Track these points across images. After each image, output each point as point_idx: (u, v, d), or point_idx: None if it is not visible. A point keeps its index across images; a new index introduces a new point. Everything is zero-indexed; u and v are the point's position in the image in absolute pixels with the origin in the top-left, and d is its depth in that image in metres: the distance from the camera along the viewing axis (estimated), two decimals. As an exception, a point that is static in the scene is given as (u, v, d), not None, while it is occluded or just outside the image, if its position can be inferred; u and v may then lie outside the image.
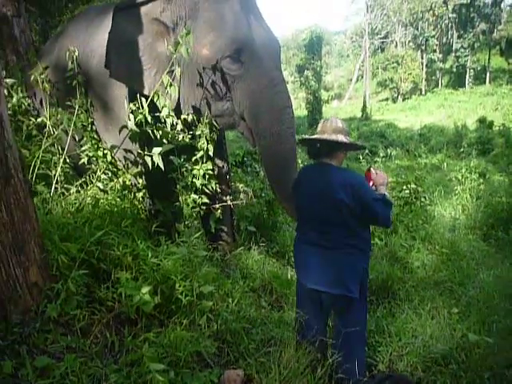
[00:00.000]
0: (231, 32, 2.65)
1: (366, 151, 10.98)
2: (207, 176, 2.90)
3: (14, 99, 2.82)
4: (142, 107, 2.63)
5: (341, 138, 2.28)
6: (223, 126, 2.94)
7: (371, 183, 2.43)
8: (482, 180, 7.06)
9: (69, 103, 2.95)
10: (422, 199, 5.25)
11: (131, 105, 2.65)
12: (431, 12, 37.60)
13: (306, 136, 2.38)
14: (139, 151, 2.74)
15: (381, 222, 2.35)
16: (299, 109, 27.19)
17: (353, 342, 2.24)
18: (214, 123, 2.87)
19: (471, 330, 2.85)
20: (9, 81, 2.93)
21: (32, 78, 2.99)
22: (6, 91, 2.74)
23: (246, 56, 2.66)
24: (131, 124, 2.61)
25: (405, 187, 5.17)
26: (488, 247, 4.84)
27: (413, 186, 5.18)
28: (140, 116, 2.61)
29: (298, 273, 2.45)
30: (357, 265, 2.26)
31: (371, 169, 2.49)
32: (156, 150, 2.62)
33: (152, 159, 2.61)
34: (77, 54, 2.91)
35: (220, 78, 2.70)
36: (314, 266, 2.29)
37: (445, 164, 10.40)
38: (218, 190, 3.10)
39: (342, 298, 2.23)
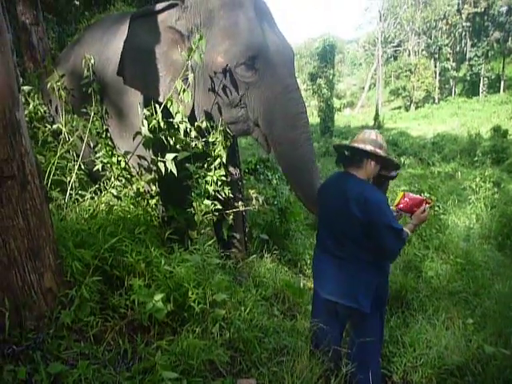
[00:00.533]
0: (246, 39, 2.66)
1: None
2: (220, 182, 2.90)
3: (31, 106, 2.86)
4: (156, 113, 2.65)
5: (369, 147, 2.21)
6: (237, 132, 2.94)
7: (400, 205, 2.35)
8: (496, 189, 6.98)
9: (84, 110, 2.98)
10: (436, 208, 5.19)
11: (145, 111, 2.67)
12: (445, 21, 37.54)
13: (337, 143, 2.39)
14: (153, 157, 2.76)
15: (386, 253, 2.22)
16: (311, 116, 27.13)
17: (367, 353, 2.21)
18: (228, 130, 2.87)
19: (487, 341, 2.80)
20: (26, 88, 2.97)
21: (48, 85, 3.04)
22: (23, 98, 2.78)
23: (261, 63, 2.66)
24: (145, 130, 2.63)
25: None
26: (503, 257, 4.78)
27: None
28: (154, 122, 2.63)
29: (315, 281, 2.44)
30: (370, 280, 2.20)
31: (409, 194, 2.41)
32: (169, 156, 2.63)
33: (165, 165, 2.63)
34: (93, 61, 2.94)
35: (234, 84, 2.71)
36: (330, 275, 2.28)
37: (459, 173, 10.31)
38: (231, 196, 3.11)
39: (355, 310, 2.21)
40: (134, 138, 2.72)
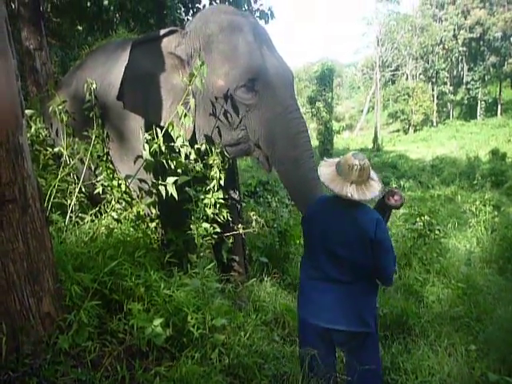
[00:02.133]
0: (245, 62, 2.69)
1: (378, 182, 10.93)
2: (218, 205, 2.91)
3: (33, 129, 2.89)
4: (157, 137, 2.66)
5: (371, 194, 2.11)
6: (238, 153, 2.96)
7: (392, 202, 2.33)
8: (496, 212, 6.95)
9: (85, 133, 3.01)
10: (436, 231, 5.16)
11: (146, 135, 2.69)
12: (441, 46, 38.22)
13: (337, 190, 2.10)
14: (153, 181, 2.77)
15: (386, 275, 2.19)
16: (311, 139, 27.38)
17: (369, 380, 2.17)
18: (226, 153, 2.90)
19: (491, 368, 2.75)
20: (28, 112, 3.01)
21: (50, 109, 3.07)
22: (25, 122, 2.81)
23: (260, 85, 2.69)
24: (146, 154, 2.64)
25: (418, 219, 5.10)
26: (505, 281, 4.73)
27: (426, 218, 5.11)
28: (155, 146, 2.64)
29: (305, 310, 2.25)
30: (374, 300, 2.22)
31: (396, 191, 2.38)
32: (170, 180, 2.64)
33: (166, 189, 2.63)
34: (95, 86, 2.98)
35: (234, 107, 2.73)
36: (329, 302, 2.16)
37: (458, 196, 10.31)
38: (230, 219, 3.11)
39: (358, 334, 2.17)
40: (135, 162, 2.73)
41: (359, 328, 2.16)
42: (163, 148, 2.67)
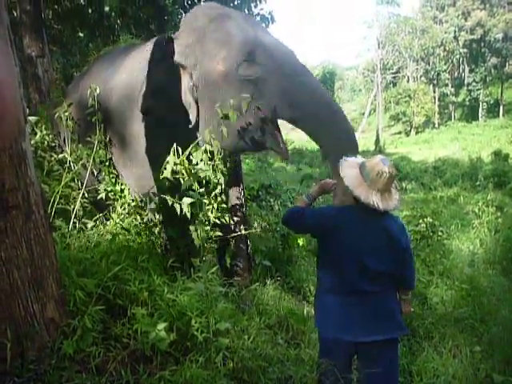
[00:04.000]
0: (240, 40, 2.65)
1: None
2: (220, 209, 2.90)
3: (38, 136, 2.91)
4: (179, 157, 2.56)
5: (394, 204, 2.05)
6: (249, 146, 2.82)
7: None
8: (499, 213, 6.95)
9: (88, 139, 3.03)
10: (439, 233, 5.16)
11: (169, 157, 2.57)
12: (442, 47, 38.27)
13: (363, 198, 2.00)
14: (166, 197, 2.68)
15: (411, 279, 2.20)
16: (313, 142, 27.35)
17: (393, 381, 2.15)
18: (235, 150, 2.86)
19: (495, 369, 2.75)
20: (32, 118, 3.03)
21: (56, 115, 3.09)
22: (30, 128, 2.83)
23: (261, 56, 2.63)
24: (167, 173, 2.56)
25: (421, 221, 5.10)
26: (508, 282, 4.71)
27: (429, 219, 5.11)
28: (179, 167, 2.56)
29: (331, 327, 2.10)
30: (399, 305, 2.20)
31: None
32: (186, 201, 2.54)
33: (181, 207, 2.55)
34: (98, 91, 3.00)
35: (240, 88, 2.63)
36: (360, 316, 2.05)
37: (461, 197, 10.29)
38: (233, 222, 3.11)
39: (390, 342, 2.08)
40: (157, 182, 2.68)
41: (397, 333, 2.11)
42: (185, 171, 2.58)
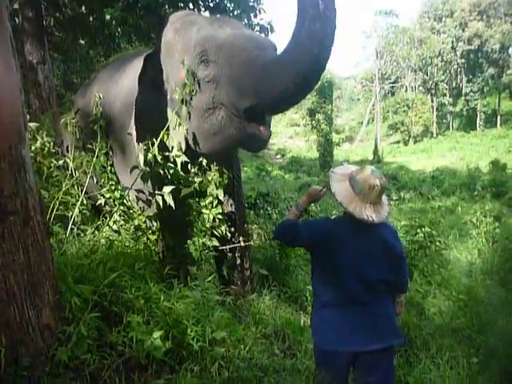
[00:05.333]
0: (194, 42, 2.59)
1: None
2: (217, 219, 2.91)
3: (38, 143, 2.91)
4: (152, 147, 2.63)
5: (384, 214, 2.06)
6: (226, 143, 2.69)
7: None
8: (497, 224, 6.95)
9: (89, 146, 3.04)
10: (437, 243, 5.16)
11: (141, 145, 2.65)
12: (440, 58, 38.51)
13: (356, 213, 1.99)
14: (150, 191, 2.76)
15: (404, 282, 2.22)
16: (311, 151, 27.48)
17: None
18: (213, 153, 2.80)
19: (493, 381, 2.73)
20: (33, 125, 3.03)
21: (61, 122, 3.11)
22: (30, 135, 2.83)
23: (213, 54, 2.51)
24: (141, 163, 2.62)
25: (419, 231, 5.10)
26: (506, 293, 4.71)
27: (427, 229, 5.11)
28: (150, 156, 2.62)
29: (331, 339, 2.07)
30: (394, 309, 2.20)
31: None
32: (167, 189, 2.60)
33: (163, 199, 2.61)
34: (102, 98, 3.01)
35: (204, 91, 2.57)
36: (359, 326, 2.04)
37: (459, 207, 10.31)
38: (231, 232, 3.11)
39: (389, 350, 2.08)
40: (131, 172, 2.73)
41: (395, 340, 2.12)
42: (159, 158, 2.63)
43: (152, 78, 2.76)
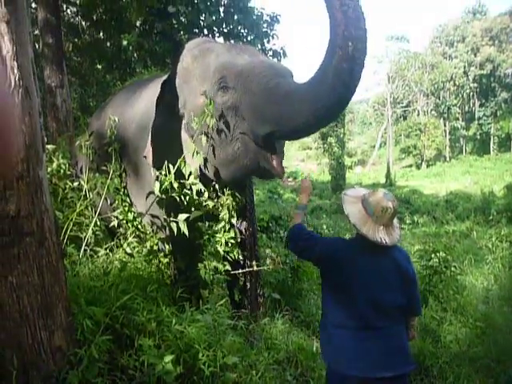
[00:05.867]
0: (213, 69, 2.61)
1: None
2: (230, 244, 2.91)
3: (54, 164, 2.97)
4: (169, 173, 2.67)
5: (396, 236, 2.06)
6: (241, 173, 2.74)
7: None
8: (513, 249, 6.83)
9: (104, 168, 3.08)
10: (452, 268, 5.05)
11: (157, 172, 2.70)
12: (452, 82, 38.61)
13: (370, 236, 2.01)
14: (165, 217, 2.78)
15: (418, 305, 2.20)
16: (322, 174, 27.47)
17: None
18: (229, 180, 2.82)
19: (513, 413, 2.63)
20: (50, 147, 3.10)
21: (77, 143, 3.17)
22: (47, 157, 2.89)
23: (233, 80, 2.52)
24: (157, 190, 2.66)
25: (433, 255, 5.01)
26: (525, 321, 4.57)
27: (442, 254, 5.02)
28: (166, 184, 2.66)
29: (343, 363, 2.04)
30: (406, 336, 2.16)
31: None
32: (182, 217, 2.63)
33: (178, 225, 2.63)
34: (116, 121, 3.07)
35: (222, 117, 2.57)
36: (371, 351, 2.01)
37: (474, 232, 10.14)
38: (243, 256, 3.10)
39: (401, 378, 2.03)
40: (147, 197, 2.76)
41: (407, 368, 2.08)
42: (175, 185, 2.67)
43: (169, 103, 2.81)
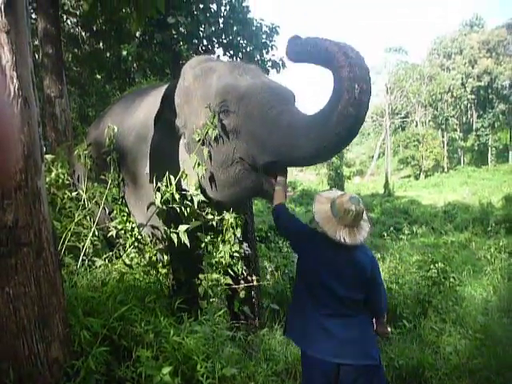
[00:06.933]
0: (215, 91, 2.58)
1: (391, 228, 10.83)
2: (234, 257, 2.90)
3: (53, 174, 2.97)
4: (170, 185, 2.67)
5: (363, 235, 2.14)
6: (243, 195, 2.74)
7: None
8: (512, 260, 6.82)
9: (102, 177, 3.08)
10: (451, 279, 5.04)
11: (159, 184, 2.69)
12: (450, 94, 38.90)
13: (330, 233, 2.10)
14: (165, 228, 2.77)
15: (378, 307, 2.27)
16: (321, 184, 27.49)
17: None
18: (231, 203, 2.82)
19: (514, 427, 2.60)
20: (48, 157, 3.10)
21: (75, 153, 3.17)
22: (45, 166, 2.89)
23: (233, 103, 2.50)
24: (158, 201, 2.66)
25: (432, 266, 5.00)
26: (525, 332, 4.55)
27: (440, 265, 5.00)
28: (167, 195, 2.66)
29: (311, 346, 2.15)
30: (372, 331, 2.25)
31: None
32: (182, 228, 2.63)
33: (178, 236, 2.63)
34: (116, 130, 3.07)
35: (223, 140, 2.56)
36: (336, 336, 2.12)
37: (472, 242, 10.12)
38: (244, 269, 3.09)
39: (365, 369, 2.12)
40: (147, 208, 2.76)
41: (367, 361, 2.12)
42: (176, 196, 2.66)
43: (167, 120, 2.81)
